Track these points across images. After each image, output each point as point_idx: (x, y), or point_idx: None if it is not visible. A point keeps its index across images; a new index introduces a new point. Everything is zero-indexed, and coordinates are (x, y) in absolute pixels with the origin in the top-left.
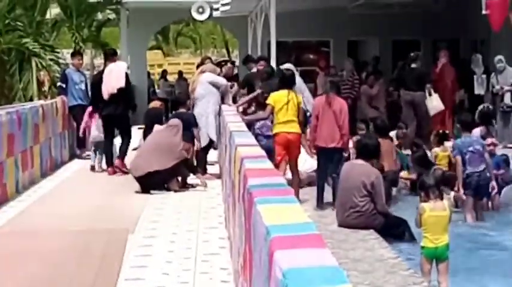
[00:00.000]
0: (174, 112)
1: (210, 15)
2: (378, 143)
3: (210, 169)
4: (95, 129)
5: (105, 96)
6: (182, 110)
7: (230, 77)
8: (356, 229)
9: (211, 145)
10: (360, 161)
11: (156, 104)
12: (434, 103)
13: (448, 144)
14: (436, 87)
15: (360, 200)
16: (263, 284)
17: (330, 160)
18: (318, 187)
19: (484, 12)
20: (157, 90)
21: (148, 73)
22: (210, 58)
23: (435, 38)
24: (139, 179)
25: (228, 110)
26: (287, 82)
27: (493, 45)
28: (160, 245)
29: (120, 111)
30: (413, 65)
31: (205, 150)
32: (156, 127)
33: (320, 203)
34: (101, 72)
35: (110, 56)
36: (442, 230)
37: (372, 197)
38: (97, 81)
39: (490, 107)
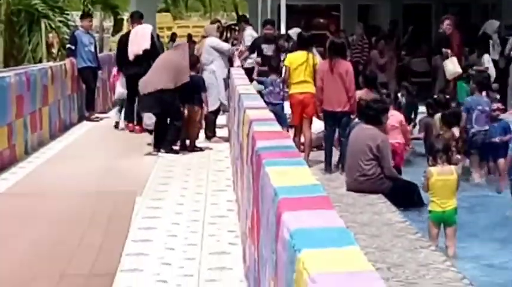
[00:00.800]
0: None
1: None
2: (385, 108)
3: (219, 132)
4: (120, 87)
5: (131, 57)
6: (192, 73)
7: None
8: (364, 193)
9: (220, 107)
10: (368, 126)
11: None
12: (449, 67)
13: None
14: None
15: (366, 164)
16: (270, 246)
17: (337, 124)
18: (325, 151)
19: None
20: None
21: (158, 36)
22: (219, 21)
23: (446, 2)
24: (147, 97)
25: (237, 73)
26: (304, 43)
27: (504, 9)
28: (168, 207)
29: (143, 71)
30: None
31: (214, 113)
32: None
33: (328, 167)
34: (127, 34)
35: (136, 18)
36: (449, 194)
37: (379, 161)
38: (123, 42)
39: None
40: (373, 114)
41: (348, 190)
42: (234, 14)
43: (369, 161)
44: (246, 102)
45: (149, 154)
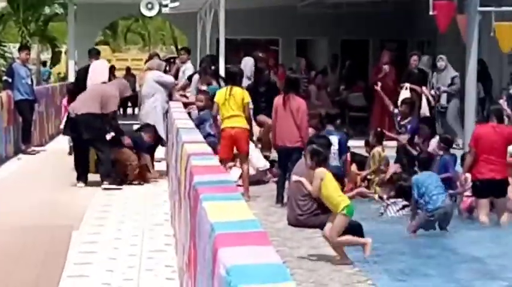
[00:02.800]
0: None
1: (159, 11)
2: (329, 143)
3: (158, 166)
4: None
5: None
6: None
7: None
8: (301, 227)
9: (159, 141)
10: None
11: None
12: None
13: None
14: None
15: (302, 199)
16: (207, 281)
17: (289, 159)
18: (277, 184)
19: (431, 13)
20: None
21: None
22: (157, 55)
23: (383, 38)
24: (74, 120)
25: (175, 107)
26: (230, 77)
27: (439, 46)
28: (105, 242)
29: None
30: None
31: (152, 147)
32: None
33: (280, 200)
34: (86, 68)
35: (94, 54)
36: None
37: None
38: (82, 75)
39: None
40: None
41: (289, 224)
42: (173, 47)
43: (304, 196)
44: (184, 136)
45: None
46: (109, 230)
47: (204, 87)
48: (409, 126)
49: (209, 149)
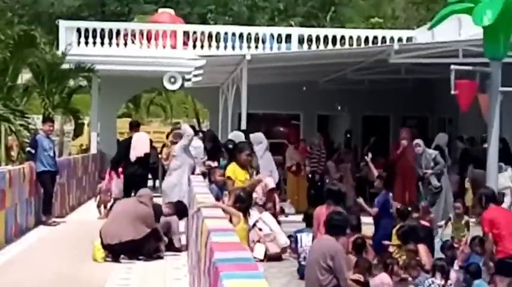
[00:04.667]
0: None
1: (182, 85)
2: (346, 219)
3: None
4: (116, 188)
5: (133, 158)
6: None
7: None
8: None
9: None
10: (326, 236)
11: None
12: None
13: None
14: (398, 165)
15: (321, 275)
16: None
17: None
18: None
19: (453, 92)
20: None
21: (119, 140)
22: (178, 123)
23: (404, 115)
24: (111, 247)
25: (196, 180)
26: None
27: (460, 123)
28: None
29: (140, 172)
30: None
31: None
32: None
33: None
34: (129, 139)
35: (135, 126)
36: None
37: (334, 273)
38: (125, 146)
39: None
40: (335, 225)
41: None
42: (195, 120)
43: (324, 271)
44: (204, 212)
45: (110, 258)
46: None
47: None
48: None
49: (230, 226)
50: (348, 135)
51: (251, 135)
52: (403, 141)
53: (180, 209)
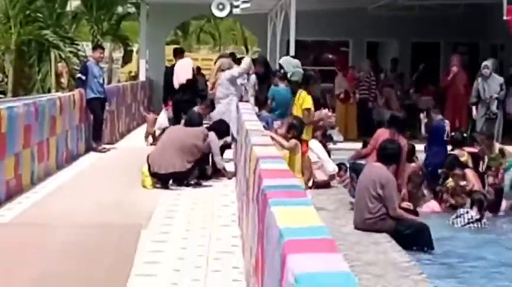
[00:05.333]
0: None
1: (230, 12)
2: (400, 148)
3: (226, 166)
4: (161, 118)
5: (176, 85)
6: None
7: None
8: (368, 231)
9: (229, 144)
10: (378, 164)
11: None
12: None
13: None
14: (448, 93)
15: (372, 202)
16: (275, 286)
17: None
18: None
19: (505, 17)
20: None
21: (199, 68)
22: (233, 53)
23: (455, 41)
24: (159, 175)
25: (245, 107)
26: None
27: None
28: (173, 241)
29: (186, 98)
30: None
31: (222, 148)
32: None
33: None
34: (172, 67)
35: (179, 53)
36: None
37: (383, 200)
38: (169, 73)
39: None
40: (389, 154)
41: (355, 228)
42: (243, 47)
43: (374, 199)
44: (253, 139)
45: (154, 187)
46: (177, 229)
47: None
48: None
49: (279, 153)
50: (394, 63)
51: (280, 61)
52: (454, 68)
53: (220, 128)
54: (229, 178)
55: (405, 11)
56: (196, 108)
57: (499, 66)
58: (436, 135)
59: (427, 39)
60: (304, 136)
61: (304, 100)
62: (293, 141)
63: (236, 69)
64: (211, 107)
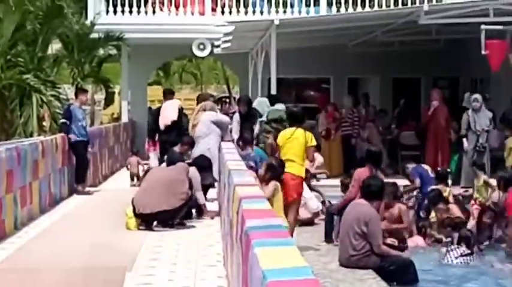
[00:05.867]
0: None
1: (211, 51)
2: (383, 184)
3: (209, 206)
4: (154, 159)
5: (161, 127)
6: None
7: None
8: (353, 268)
9: (212, 183)
10: (362, 201)
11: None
12: None
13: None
14: (430, 127)
15: (355, 240)
16: None
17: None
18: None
19: (483, 52)
20: None
21: (151, 108)
22: (212, 96)
23: (435, 76)
24: (144, 216)
25: (227, 147)
26: (294, 119)
27: (492, 84)
28: (158, 283)
29: (172, 138)
30: None
31: (205, 188)
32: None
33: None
34: (159, 108)
35: (168, 94)
36: None
37: (367, 237)
38: (156, 115)
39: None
40: (372, 191)
41: (341, 265)
42: (225, 86)
43: (358, 236)
44: (235, 179)
45: (143, 227)
46: (162, 271)
47: None
48: None
49: (261, 193)
50: (366, 98)
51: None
52: (434, 103)
53: (201, 162)
54: (212, 218)
55: (385, 47)
56: (176, 148)
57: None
58: (421, 179)
59: (407, 74)
60: (298, 172)
61: (309, 137)
62: (272, 184)
63: (217, 117)
64: (191, 145)
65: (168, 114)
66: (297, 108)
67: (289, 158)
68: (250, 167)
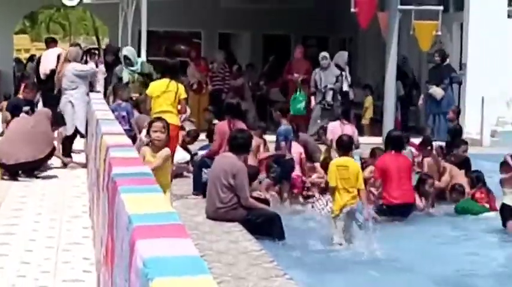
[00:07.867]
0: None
1: (81, 0)
2: (250, 137)
3: (76, 158)
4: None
5: (42, 76)
6: None
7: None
8: (220, 220)
9: (77, 133)
10: (229, 154)
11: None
12: None
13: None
14: (290, 83)
15: (223, 192)
16: (124, 273)
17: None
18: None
19: (352, 10)
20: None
21: (19, 58)
22: (79, 45)
23: (304, 34)
24: (8, 167)
25: (95, 97)
26: (168, 71)
27: (360, 43)
28: (21, 233)
29: (50, 87)
30: None
31: (70, 138)
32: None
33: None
34: (40, 57)
35: (50, 43)
36: None
37: (235, 190)
38: (36, 64)
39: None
40: (239, 144)
41: (207, 217)
42: (94, 37)
43: (225, 189)
44: (103, 128)
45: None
46: (25, 221)
47: None
48: None
49: (129, 141)
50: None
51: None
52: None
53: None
54: (65, 164)
55: (257, 3)
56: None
57: (349, 59)
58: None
59: (278, 31)
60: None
61: (181, 90)
62: (166, 150)
63: (81, 68)
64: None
65: (46, 63)
66: (173, 60)
67: (166, 109)
68: (122, 117)
